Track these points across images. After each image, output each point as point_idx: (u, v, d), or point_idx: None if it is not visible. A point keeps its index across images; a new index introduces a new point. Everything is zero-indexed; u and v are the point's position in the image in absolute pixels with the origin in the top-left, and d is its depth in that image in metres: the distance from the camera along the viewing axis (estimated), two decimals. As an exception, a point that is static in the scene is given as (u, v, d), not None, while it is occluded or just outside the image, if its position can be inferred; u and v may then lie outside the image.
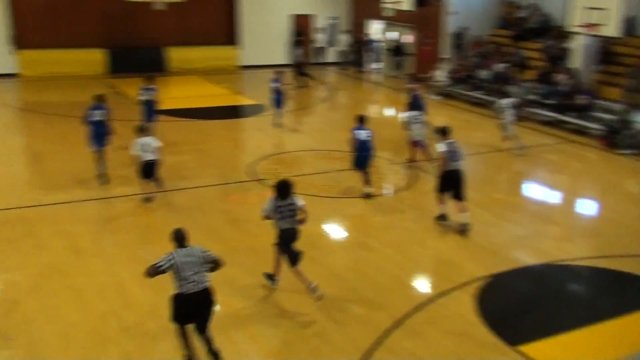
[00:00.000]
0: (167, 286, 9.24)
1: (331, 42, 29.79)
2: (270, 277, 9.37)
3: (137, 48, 24.72)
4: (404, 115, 15.78)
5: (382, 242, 11.11)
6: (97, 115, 13.55)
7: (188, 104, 21.43)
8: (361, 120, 13.17)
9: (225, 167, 14.97)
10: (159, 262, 7.17)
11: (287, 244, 9.03)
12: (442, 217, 11.91)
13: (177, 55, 26.53)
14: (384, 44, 28.60)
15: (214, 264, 7.39)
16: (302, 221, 8.95)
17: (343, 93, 24.65)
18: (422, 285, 10.00)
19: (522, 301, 9.28)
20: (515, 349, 7.89)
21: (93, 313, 8.53)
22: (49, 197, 12.67)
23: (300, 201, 8.95)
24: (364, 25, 29.44)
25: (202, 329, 7.30)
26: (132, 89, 21.40)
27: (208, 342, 7.30)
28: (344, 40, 29.45)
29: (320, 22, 29.56)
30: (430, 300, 9.22)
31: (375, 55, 28.78)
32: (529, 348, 7.92)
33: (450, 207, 11.66)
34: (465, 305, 9.00)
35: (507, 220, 12.38)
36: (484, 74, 22.89)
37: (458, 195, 11.49)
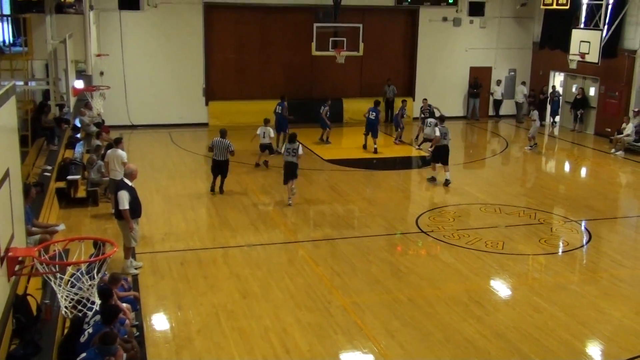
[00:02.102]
0: (329, 334, 9.44)
1: (508, 95, 29.15)
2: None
3: (315, 99, 25.70)
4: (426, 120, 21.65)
5: (551, 303, 10.57)
6: (278, 109, 21.04)
7: (359, 155, 21.84)
8: (376, 104, 21.82)
9: (392, 218, 15.03)
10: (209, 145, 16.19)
11: (286, 171, 15.40)
12: (432, 179, 17.88)
13: (352, 107, 27.23)
14: (561, 96, 27.48)
15: (231, 151, 15.96)
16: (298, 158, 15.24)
17: (517, 146, 23.93)
18: (595, 352, 9.35)
19: None
20: None
21: (256, 355, 8.86)
22: (226, 240, 13.42)
23: (301, 150, 15.35)
24: (543, 77, 28.56)
25: (221, 177, 16.33)
26: (308, 138, 22.36)
27: (222, 184, 16.35)
28: (521, 92, 28.70)
29: (498, 74, 29.10)
30: (603, 369, 8.62)
31: (555, 108, 27.69)
32: None
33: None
34: (643, 378, 8.30)
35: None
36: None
37: (445, 162, 17.61)
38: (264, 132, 18.77)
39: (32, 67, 18.59)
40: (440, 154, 17.64)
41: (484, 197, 16.71)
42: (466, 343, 9.25)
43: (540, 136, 25.24)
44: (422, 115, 22.93)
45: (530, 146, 22.26)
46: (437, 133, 17.56)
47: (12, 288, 6.93)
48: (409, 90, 28.21)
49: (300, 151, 15.34)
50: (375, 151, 21.23)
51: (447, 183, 17.44)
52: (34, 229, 10.21)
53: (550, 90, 27.88)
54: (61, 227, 11.17)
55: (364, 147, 21.76)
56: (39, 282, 9.26)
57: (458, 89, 28.65)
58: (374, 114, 21.27)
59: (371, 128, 21.30)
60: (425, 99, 23.95)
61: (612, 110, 24.53)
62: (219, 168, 16.24)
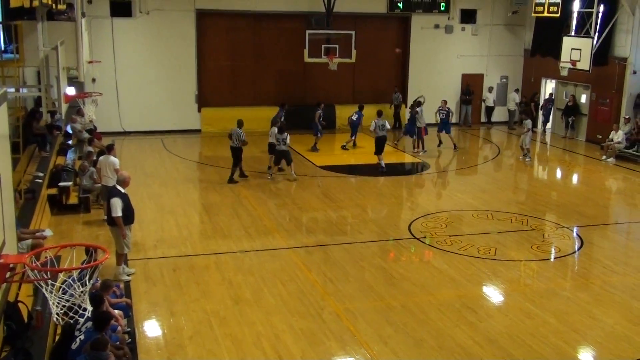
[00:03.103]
0: (322, 340, 9.42)
1: (500, 102, 29.25)
2: (269, 168, 18.97)
3: (309, 106, 25.69)
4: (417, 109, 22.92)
5: (543, 310, 10.60)
6: (277, 116, 21.33)
7: (351, 161, 21.91)
8: (360, 107, 23.30)
9: (384, 224, 15.06)
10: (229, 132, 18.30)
11: (279, 156, 18.25)
12: (382, 168, 19.76)
13: (345, 113, 27.21)
14: (553, 103, 27.57)
15: (242, 140, 17.77)
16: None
17: (510, 153, 24.03)
18: (587, 358, 9.38)
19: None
20: None
21: (248, 361, 8.84)
22: (218, 246, 13.40)
23: (288, 139, 18.03)
24: (535, 84, 28.68)
25: (237, 162, 18.23)
26: (302, 145, 22.39)
27: (240, 169, 18.41)
28: (513, 99, 28.80)
29: (490, 81, 29.20)
30: (594, 375, 8.63)
31: (547, 115, 27.79)
32: None
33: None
34: (634, 384, 8.32)
35: (687, 294, 11.34)
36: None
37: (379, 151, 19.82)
38: (275, 136, 18.98)
39: (24, 74, 18.52)
40: (381, 144, 19.71)
41: (476, 203, 16.74)
42: (459, 349, 9.26)
43: (532, 143, 25.34)
44: (441, 116, 23.52)
45: (529, 157, 22.10)
46: (373, 126, 19.81)
47: (3, 295, 6.91)
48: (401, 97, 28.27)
49: (288, 140, 18.07)
50: (345, 147, 23.20)
51: (382, 170, 19.64)
52: (23, 234, 10.17)
53: (546, 96, 27.96)
54: (47, 232, 11.13)
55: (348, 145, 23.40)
56: (30, 289, 9.22)
57: (450, 95, 28.63)
58: (356, 116, 23.06)
59: (351, 128, 23.48)
60: (445, 100, 24.30)
61: (603, 117, 24.63)
62: (233, 154, 18.29)
